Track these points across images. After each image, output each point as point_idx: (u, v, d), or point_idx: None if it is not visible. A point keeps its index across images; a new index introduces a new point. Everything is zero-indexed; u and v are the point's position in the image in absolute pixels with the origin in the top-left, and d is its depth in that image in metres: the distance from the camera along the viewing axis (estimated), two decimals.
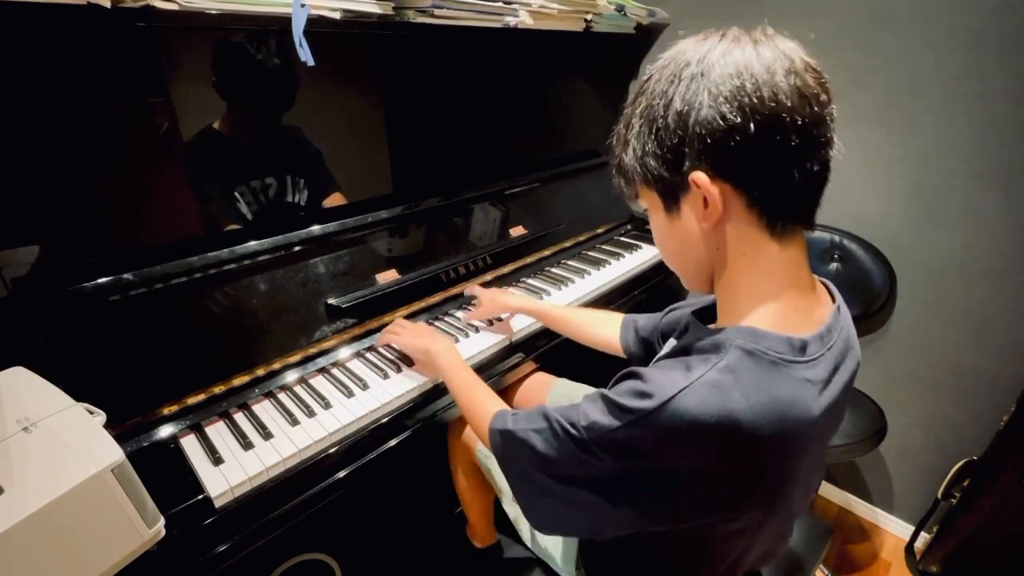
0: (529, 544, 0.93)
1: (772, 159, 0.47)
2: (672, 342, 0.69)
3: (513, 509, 0.96)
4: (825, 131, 0.49)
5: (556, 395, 1.12)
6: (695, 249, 0.55)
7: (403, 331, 1.01)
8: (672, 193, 0.53)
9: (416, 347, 0.97)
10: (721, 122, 0.47)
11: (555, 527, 0.62)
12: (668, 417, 0.46)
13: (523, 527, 0.94)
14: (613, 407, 0.51)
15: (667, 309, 0.87)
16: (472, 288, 1.20)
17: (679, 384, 0.47)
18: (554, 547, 0.87)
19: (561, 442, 0.55)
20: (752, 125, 0.46)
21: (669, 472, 0.49)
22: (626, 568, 0.70)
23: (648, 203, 0.57)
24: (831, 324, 0.54)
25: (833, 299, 0.58)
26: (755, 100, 0.46)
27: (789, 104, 0.46)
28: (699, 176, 0.49)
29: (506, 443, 0.64)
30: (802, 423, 0.48)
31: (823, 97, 0.48)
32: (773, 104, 0.46)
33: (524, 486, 0.62)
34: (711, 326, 0.58)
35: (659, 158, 0.51)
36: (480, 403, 0.77)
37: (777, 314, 0.52)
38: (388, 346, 1.07)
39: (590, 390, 1.10)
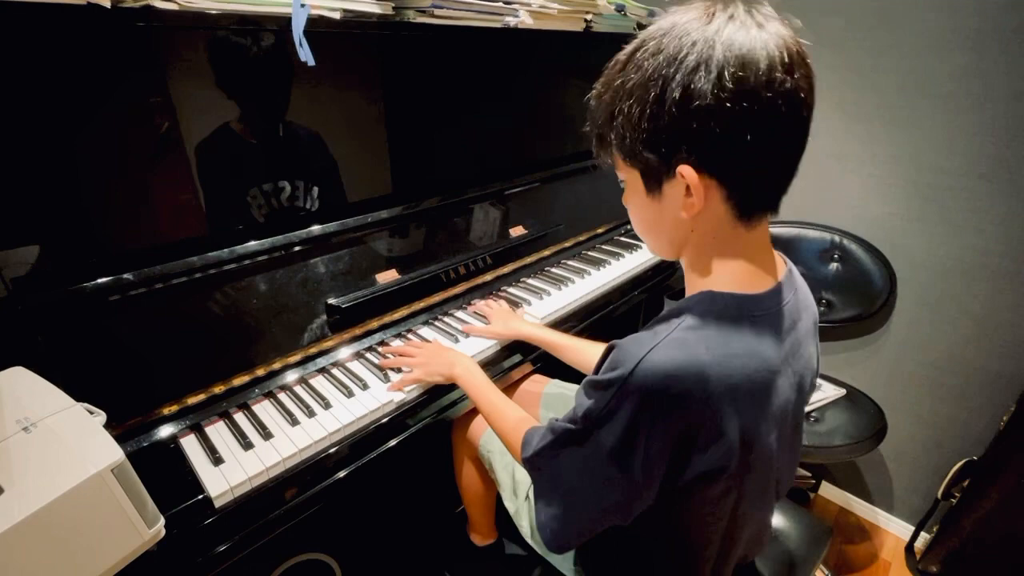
0: (529, 540, 0.93)
1: (758, 160, 0.49)
2: None
3: (513, 504, 0.96)
4: (806, 133, 0.50)
5: (550, 395, 1.12)
6: (668, 228, 0.57)
7: (418, 357, 0.97)
8: (655, 177, 0.53)
9: (438, 372, 0.94)
10: (718, 120, 0.46)
11: (570, 535, 0.62)
12: (642, 377, 0.49)
13: (523, 522, 0.94)
14: (597, 388, 0.54)
15: None
16: (481, 305, 1.18)
17: (647, 346, 0.50)
18: None
19: (565, 443, 0.59)
20: (748, 129, 0.46)
21: (655, 431, 0.51)
22: (623, 557, 0.71)
23: (626, 177, 0.58)
24: (783, 282, 0.58)
25: (786, 264, 0.62)
26: (755, 105, 0.46)
27: (784, 109, 0.47)
28: (687, 170, 0.49)
29: (533, 468, 0.65)
30: (763, 371, 0.53)
31: (810, 100, 0.49)
32: (770, 108, 0.46)
33: (546, 501, 0.63)
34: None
35: (648, 143, 0.51)
36: (511, 426, 0.78)
37: (735, 278, 0.56)
38: (388, 346, 1.07)
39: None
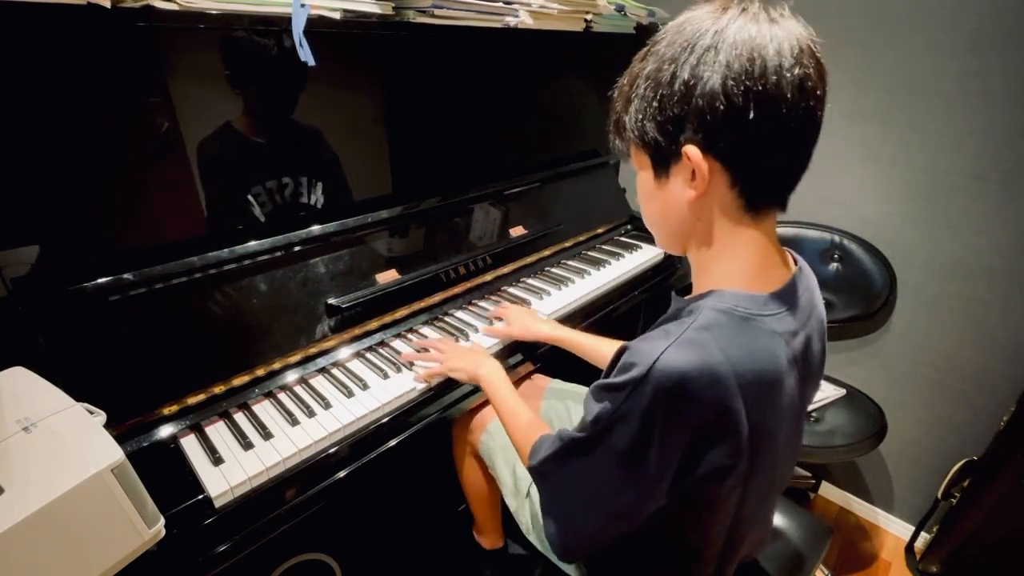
0: (530, 537, 0.93)
1: (763, 145, 0.50)
2: None
3: (514, 501, 0.96)
4: (816, 124, 0.51)
5: (550, 395, 1.12)
6: (676, 215, 0.57)
7: (445, 355, 0.98)
8: (663, 159, 0.55)
9: (464, 369, 0.95)
10: (724, 101, 0.48)
11: (578, 543, 0.62)
12: (656, 378, 0.49)
13: (524, 519, 0.94)
14: (609, 391, 0.54)
15: None
16: (498, 309, 1.17)
17: (660, 347, 0.50)
18: None
19: (573, 452, 0.59)
20: (752, 111, 0.48)
21: (669, 431, 0.51)
22: (625, 556, 0.71)
23: (638, 164, 0.59)
24: (793, 283, 0.58)
25: (796, 263, 0.62)
26: (759, 87, 0.47)
27: (790, 96, 0.48)
28: (691, 150, 0.51)
29: (539, 476, 0.65)
30: (773, 370, 0.53)
31: (819, 91, 0.50)
32: (776, 93, 0.48)
33: (553, 511, 0.63)
34: (687, 297, 0.60)
35: (658, 124, 0.53)
36: (524, 434, 0.77)
37: (744, 275, 0.56)
38: (388, 346, 1.07)
39: (582, 389, 1.10)
